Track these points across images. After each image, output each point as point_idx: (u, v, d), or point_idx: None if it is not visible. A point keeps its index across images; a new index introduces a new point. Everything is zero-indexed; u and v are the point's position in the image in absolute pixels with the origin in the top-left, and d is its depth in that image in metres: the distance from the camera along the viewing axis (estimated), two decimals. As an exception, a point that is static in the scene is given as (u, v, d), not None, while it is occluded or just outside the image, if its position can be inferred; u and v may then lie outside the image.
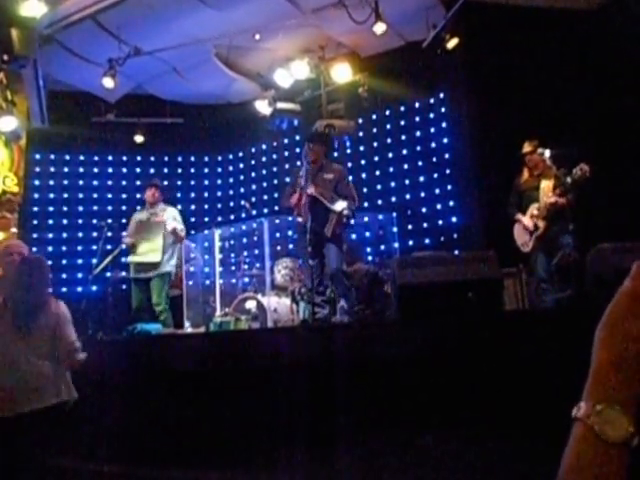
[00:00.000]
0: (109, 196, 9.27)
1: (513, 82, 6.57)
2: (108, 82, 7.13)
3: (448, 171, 7.78)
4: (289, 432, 4.14)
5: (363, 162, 8.51)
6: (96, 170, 9.34)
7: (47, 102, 7.81)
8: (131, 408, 4.57)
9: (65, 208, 9.06)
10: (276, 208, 7.99)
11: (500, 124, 6.63)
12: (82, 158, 9.30)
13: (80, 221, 9.02)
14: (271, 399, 4.20)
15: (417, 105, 8.21)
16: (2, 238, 7.87)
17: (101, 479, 4.34)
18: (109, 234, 8.08)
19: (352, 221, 5.48)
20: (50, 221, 8.97)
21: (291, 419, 4.16)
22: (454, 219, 7.62)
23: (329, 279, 5.22)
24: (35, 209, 8.81)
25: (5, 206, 8.56)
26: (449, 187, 7.76)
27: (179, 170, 9.75)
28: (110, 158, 9.42)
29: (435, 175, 7.90)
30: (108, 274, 7.45)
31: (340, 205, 5.20)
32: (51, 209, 9.02)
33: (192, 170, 9.84)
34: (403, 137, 8.25)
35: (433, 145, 7.99)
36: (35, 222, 8.76)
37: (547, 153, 5.58)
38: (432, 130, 8.04)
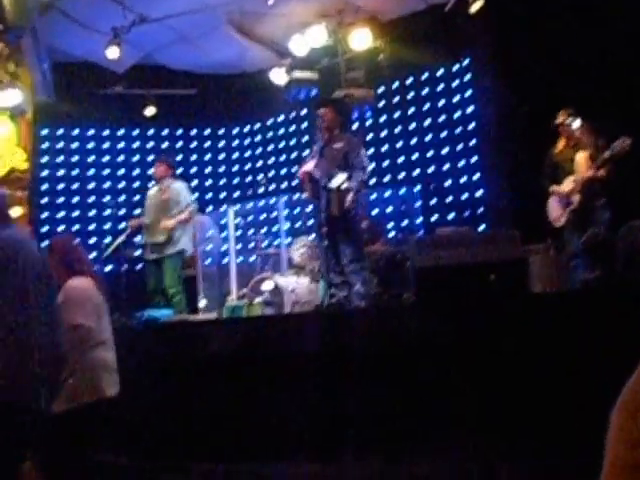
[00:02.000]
0: (121, 172, 9.00)
1: (543, 46, 6.17)
2: (113, 52, 6.83)
3: (473, 142, 7.40)
4: (303, 422, 4.01)
5: (384, 133, 8.15)
6: (106, 145, 9.04)
7: (53, 74, 7.56)
8: (138, 400, 4.43)
9: (76, 185, 8.81)
10: (295, 183, 7.70)
11: (530, 91, 6.27)
12: (92, 133, 8.99)
13: (92, 199, 8.79)
14: (284, 387, 4.07)
15: (440, 72, 7.79)
16: (15, 217, 7.76)
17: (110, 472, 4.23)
18: (121, 212, 7.90)
19: (360, 192, 5.22)
20: (60, 199, 8.74)
21: (306, 408, 4.02)
22: (479, 193, 7.27)
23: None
24: (44, 187, 8.59)
25: (15, 184, 8.42)
26: (474, 159, 7.39)
27: (193, 144, 9.41)
28: (121, 132, 9.10)
29: (459, 146, 7.52)
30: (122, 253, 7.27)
31: (337, 181, 4.93)
32: (61, 187, 8.77)
33: (207, 144, 9.49)
34: (426, 106, 7.85)
35: (457, 114, 7.59)
36: (45, 200, 8.56)
37: (577, 123, 5.21)
38: (456, 99, 7.63)
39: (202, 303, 6.74)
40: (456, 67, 7.69)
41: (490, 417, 3.55)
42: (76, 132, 8.91)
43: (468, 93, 7.53)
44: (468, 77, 7.57)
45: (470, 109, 7.48)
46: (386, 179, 7.90)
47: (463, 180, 7.42)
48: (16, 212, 7.92)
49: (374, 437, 3.81)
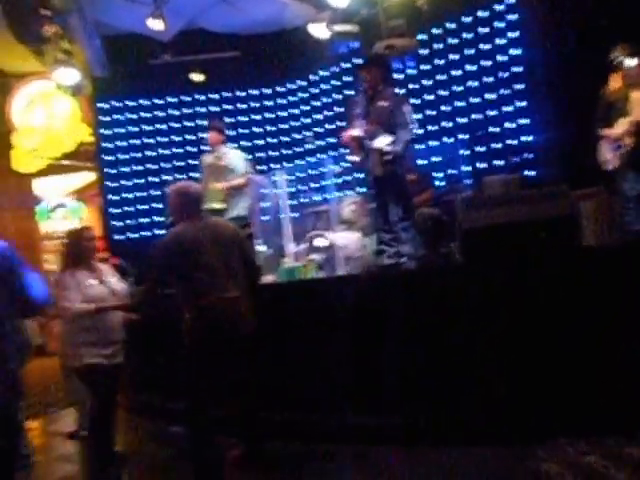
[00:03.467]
0: (176, 139, 9.37)
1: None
2: (155, 24, 6.99)
3: (520, 86, 7.20)
4: (349, 378, 4.19)
5: (427, 82, 8.03)
6: (161, 114, 9.39)
7: (104, 49, 7.81)
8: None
9: (137, 155, 9.28)
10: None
11: (581, 29, 5.99)
12: (146, 103, 9.36)
13: (153, 166, 9.25)
14: (336, 349, 4.23)
15: (483, 14, 7.51)
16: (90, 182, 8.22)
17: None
18: (180, 177, 8.27)
19: (405, 153, 5.24)
20: (125, 169, 9.24)
21: (352, 366, 4.20)
22: (528, 138, 7.14)
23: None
24: (109, 158, 9.08)
25: (84, 156, 8.94)
26: (521, 104, 7.21)
27: (241, 105, 9.60)
28: (172, 100, 9.41)
29: (506, 91, 7.33)
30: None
31: (380, 141, 4.97)
32: (124, 157, 9.25)
33: (254, 104, 9.66)
34: (469, 52, 7.64)
35: (502, 58, 7.36)
36: (111, 171, 9.07)
37: (630, 62, 4.99)
38: (501, 41, 7.37)
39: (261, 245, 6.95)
40: (500, 7, 7.39)
41: (540, 379, 3.58)
42: (131, 103, 9.29)
43: (513, 34, 7.26)
44: (513, 17, 7.28)
45: (516, 51, 7.23)
46: (432, 128, 7.85)
47: (510, 126, 7.28)
48: (87, 179, 8.46)
49: (419, 394, 3.94)
